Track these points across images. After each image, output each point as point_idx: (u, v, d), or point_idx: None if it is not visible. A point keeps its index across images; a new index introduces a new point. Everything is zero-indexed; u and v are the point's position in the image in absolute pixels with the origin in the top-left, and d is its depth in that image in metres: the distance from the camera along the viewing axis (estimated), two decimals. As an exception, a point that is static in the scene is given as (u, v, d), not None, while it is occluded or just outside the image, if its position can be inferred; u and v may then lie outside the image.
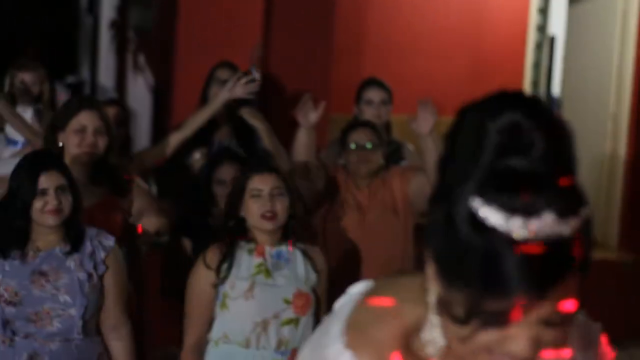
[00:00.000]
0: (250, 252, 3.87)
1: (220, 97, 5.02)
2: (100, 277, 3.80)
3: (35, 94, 5.84)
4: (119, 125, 5.00)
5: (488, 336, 1.38)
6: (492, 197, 1.31)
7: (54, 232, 3.78)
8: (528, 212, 1.30)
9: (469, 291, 1.34)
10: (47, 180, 3.75)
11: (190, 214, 4.70)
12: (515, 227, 1.31)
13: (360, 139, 4.87)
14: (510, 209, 1.31)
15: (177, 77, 6.46)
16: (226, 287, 3.80)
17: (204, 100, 5.33)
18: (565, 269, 1.34)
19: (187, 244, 4.65)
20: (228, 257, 3.84)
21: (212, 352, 3.85)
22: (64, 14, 8.79)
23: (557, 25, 8.48)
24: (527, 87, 8.07)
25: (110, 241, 3.85)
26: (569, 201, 1.34)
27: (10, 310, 3.69)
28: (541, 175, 1.33)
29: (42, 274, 3.73)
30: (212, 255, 3.85)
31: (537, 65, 8.35)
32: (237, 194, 3.94)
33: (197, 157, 5.15)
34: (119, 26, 7.90)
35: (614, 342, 1.71)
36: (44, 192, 3.73)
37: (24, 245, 3.76)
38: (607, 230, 7.70)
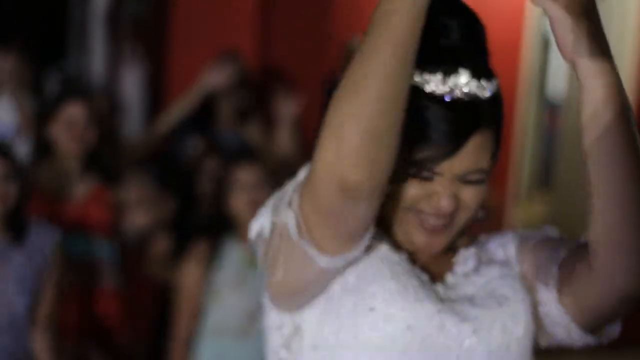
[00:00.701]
0: (237, 243, 3.88)
1: (203, 83, 5.11)
2: (45, 270, 3.71)
3: (18, 79, 5.75)
4: (106, 117, 5.02)
5: (413, 191, 1.62)
6: (416, 64, 1.51)
7: None
8: (447, 71, 1.58)
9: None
10: None
11: (185, 210, 4.66)
12: (436, 83, 1.57)
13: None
14: (432, 70, 1.58)
15: (172, 67, 6.42)
16: (217, 280, 3.83)
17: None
18: (479, 124, 1.59)
19: (162, 241, 4.61)
20: (217, 250, 3.87)
21: (205, 348, 3.86)
22: (55, 0, 8.73)
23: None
24: (522, 87, 8.04)
25: (55, 234, 3.77)
26: (482, 68, 1.61)
27: None
28: (459, 47, 1.61)
29: None
30: (201, 249, 3.90)
31: (536, 66, 8.33)
32: (223, 187, 3.96)
33: (195, 146, 5.12)
34: (112, 14, 7.86)
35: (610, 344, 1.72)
36: None
37: None
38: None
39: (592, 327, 1.62)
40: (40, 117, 4.39)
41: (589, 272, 1.55)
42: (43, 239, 3.70)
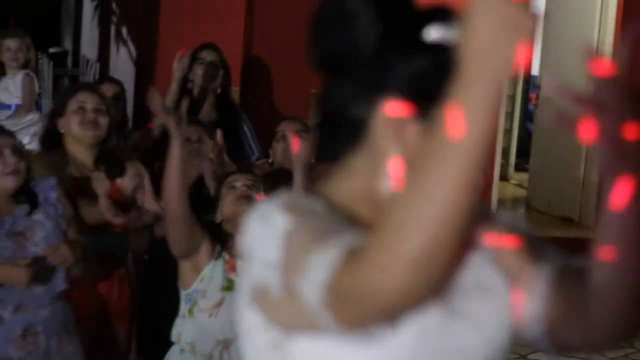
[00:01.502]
0: (224, 264, 3.77)
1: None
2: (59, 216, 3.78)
3: (22, 60, 5.96)
4: (117, 103, 5.07)
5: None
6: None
7: (11, 197, 3.70)
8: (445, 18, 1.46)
9: None
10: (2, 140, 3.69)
11: None
12: (440, 30, 1.48)
13: (288, 129, 4.62)
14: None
15: (161, 49, 6.43)
16: (198, 295, 3.73)
17: (185, 81, 5.43)
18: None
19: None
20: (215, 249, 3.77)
21: None
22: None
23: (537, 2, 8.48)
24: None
25: (52, 180, 3.82)
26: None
27: None
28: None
29: (19, 233, 3.67)
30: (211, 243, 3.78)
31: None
32: (217, 194, 3.92)
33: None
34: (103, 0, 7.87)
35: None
36: (0, 154, 3.65)
37: None
38: (584, 211, 7.84)
39: (564, 350, 1.60)
40: (51, 114, 4.38)
41: (577, 318, 1.52)
42: (45, 190, 3.77)
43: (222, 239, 3.77)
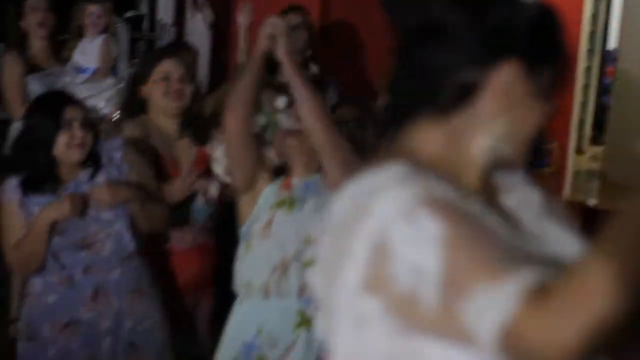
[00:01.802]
0: (278, 185, 3.66)
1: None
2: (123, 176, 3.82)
3: (103, 25, 6.04)
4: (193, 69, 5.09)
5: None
6: None
7: (76, 165, 3.76)
8: None
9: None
10: (71, 112, 3.72)
11: None
12: None
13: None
14: None
15: (236, 14, 6.43)
16: (252, 223, 3.61)
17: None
18: None
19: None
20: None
21: (236, 312, 3.65)
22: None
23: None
24: (584, 39, 7.98)
25: (117, 141, 3.86)
26: None
27: (56, 240, 3.69)
28: None
29: None
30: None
31: (594, 17, 8.25)
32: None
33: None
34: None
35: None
36: (69, 125, 3.68)
37: (55, 179, 3.72)
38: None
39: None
40: (133, 80, 4.40)
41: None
42: (110, 150, 3.81)
43: (279, 172, 3.68)
